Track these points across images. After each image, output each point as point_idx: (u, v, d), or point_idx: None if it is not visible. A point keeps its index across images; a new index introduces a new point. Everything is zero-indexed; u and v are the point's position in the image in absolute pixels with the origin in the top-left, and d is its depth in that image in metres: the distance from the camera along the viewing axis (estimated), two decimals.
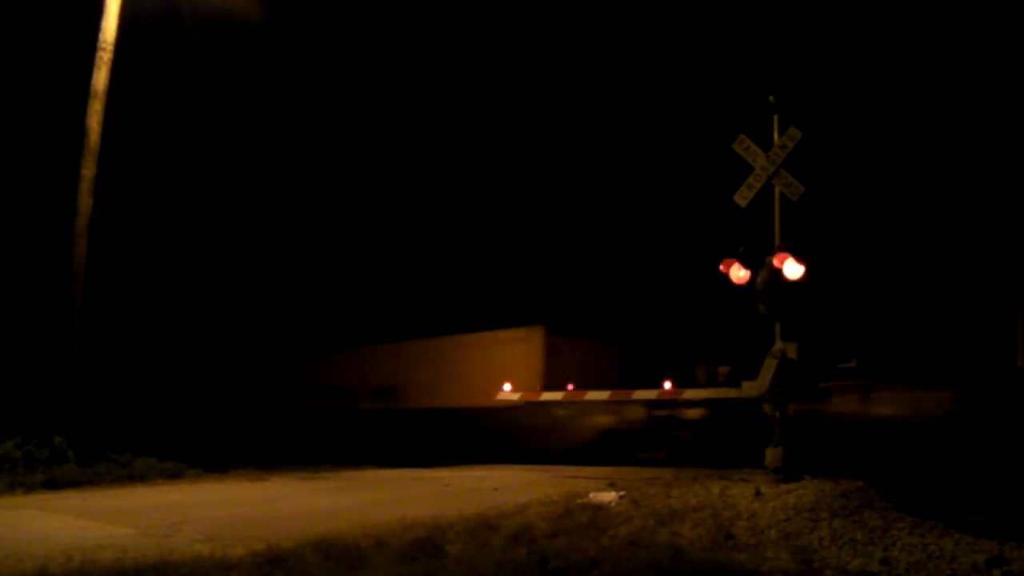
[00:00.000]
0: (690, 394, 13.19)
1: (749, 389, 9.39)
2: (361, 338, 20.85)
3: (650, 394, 13.55)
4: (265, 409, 21.37)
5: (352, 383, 20.03)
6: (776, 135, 9.23)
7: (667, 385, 13.50)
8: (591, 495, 7.85)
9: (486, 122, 25.26)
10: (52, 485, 10.46)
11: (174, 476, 11.83)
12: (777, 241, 9.00)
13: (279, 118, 25.27)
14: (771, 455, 8.69)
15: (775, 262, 8.58)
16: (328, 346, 21.41)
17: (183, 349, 23.33)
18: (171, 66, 21.29)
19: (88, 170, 12.91)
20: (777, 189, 9.12)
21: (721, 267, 9.07)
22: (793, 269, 8.48)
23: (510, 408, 15.10)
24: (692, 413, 13.45)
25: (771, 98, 9.29)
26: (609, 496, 7.72)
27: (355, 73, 26.75)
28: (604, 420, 14.59)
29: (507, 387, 15.25)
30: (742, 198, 9.29)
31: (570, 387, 14.81)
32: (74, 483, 10.70)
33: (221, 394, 21.78)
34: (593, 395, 14.19)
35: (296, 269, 25.73)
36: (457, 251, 25.31)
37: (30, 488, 10.22)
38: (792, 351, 8.72)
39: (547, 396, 14.75)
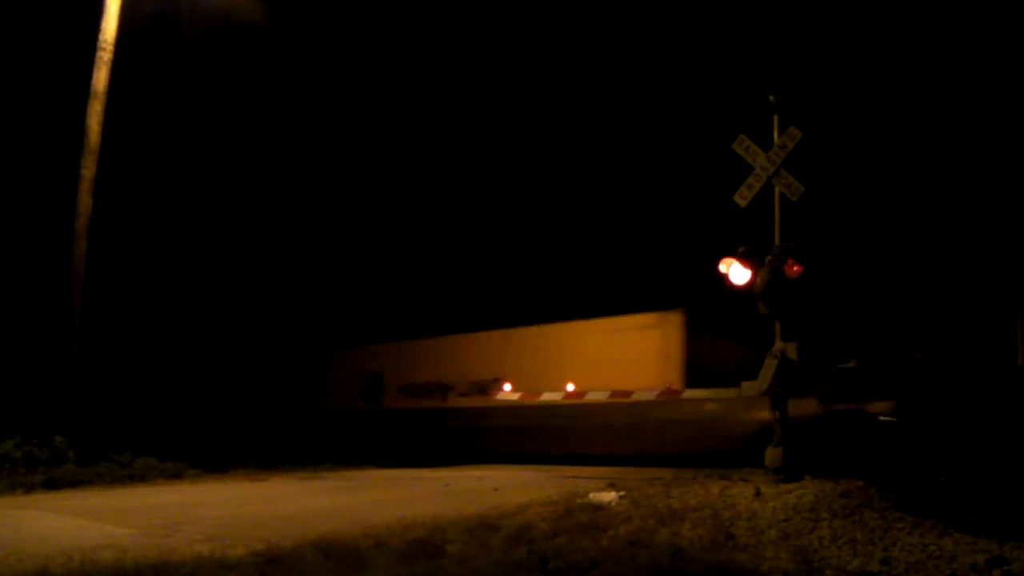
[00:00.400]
0: (689, 394, 12.86)
1: (749, 389, 9.39)
2: (437, 327, 18.81)
3: (649, 395, 13.26)
4: (293, 409, 20.13)
5: (440, 377, 17.69)
6: (776, 135, 9.23)
7: (667, 385, 13.27)
8: (591, 495, 7.85)
9: (481, 119, 25.38)
10: (52, 485, 10.46)
11: (174, 476, 11.84)
12: (777, 241, 9.00)
13: (281, 115, 25.30)
14: (771, 455, 8.69)
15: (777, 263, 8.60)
16: (407, 334, 19.25)
17: (189, 348, 23.23)
18: (171, 66, 21.30)
19: (88, 170, 12.91)
20: (777, 189, 9.12)
21: (721, 267, 9.07)
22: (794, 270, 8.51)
23: (645, 402, 13.17)
24: (882, 407, 11.00)
25: (771, 98, 9.29)
26: (609, 496, 7.72)
27: (361, 65, 26.84)
28: (765, 415, 12.99)
29: (507, 387, 14.94)
30: (742, 198, 9.29)
31: (570, 387, 14.49)
32: (74, 483, 10.70)
33: (240, 393, 21.11)
34: (592, 396, 13.87)
35: (333, 259, 25.12)
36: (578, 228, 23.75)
37: (30, 488, 10.22)
38: (792, 351, 8.72)
39: (547, 397, 14.34)
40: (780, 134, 9.19)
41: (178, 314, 23.89)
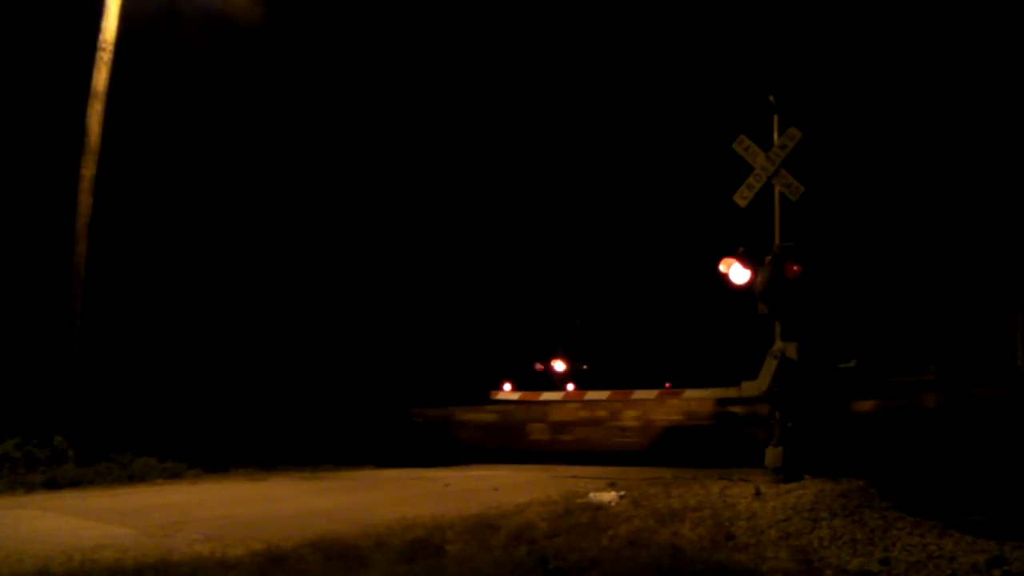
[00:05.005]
0: (689, 393, 12.77)
1: (749, 389, 9.38)
2: None
3: (650, 394, 13.22)
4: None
5: None
6: (776, 135, 9.23)
7: (667, 385, 13.23)
8: (591, 495, 7.85)
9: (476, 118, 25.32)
10: (52, 485, 10.44)
11: (174, 476, 11.82)
12: (777, 241, 9.00)
13: (281, 115, 25.30)
14: (771, 455, 8.69)
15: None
16: None
17: (188, 348, 23.16)
18: (171, 66, 21.28)
19: (88, 170, 12.90)
20: (777, 189, 9.13)
21: (721, 267, 9.07)
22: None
23: None
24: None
25: (771, 98, 9.30)
26: (609, 496, 7.73)
27: (361, 68, 26.77)
28: None
29: (507, 387, 14.93)
30: (742, 198, 9.29)
31: (570, 387, 14.51)
32: (74, 483, 10.68)
33: (240, 392, 21.03)
34: (592, 395, 13.86)
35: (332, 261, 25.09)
36: None
37: (30, 488, 10.21)
38: (792, 351, 8.72)
39: (547, 396, 14.36)
40: (780, 134, 9.20)
41: (178, 313, 23.89)
